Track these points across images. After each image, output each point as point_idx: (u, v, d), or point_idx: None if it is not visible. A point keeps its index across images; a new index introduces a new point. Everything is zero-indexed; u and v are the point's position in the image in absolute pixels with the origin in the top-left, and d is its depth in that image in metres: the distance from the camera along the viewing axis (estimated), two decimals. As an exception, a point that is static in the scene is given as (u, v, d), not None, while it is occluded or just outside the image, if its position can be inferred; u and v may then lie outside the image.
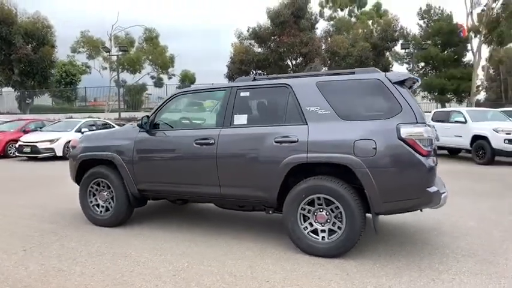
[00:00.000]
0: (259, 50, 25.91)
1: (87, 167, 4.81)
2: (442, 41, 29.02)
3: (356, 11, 43.78)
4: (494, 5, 28.55)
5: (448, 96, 29.41)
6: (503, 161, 11.04)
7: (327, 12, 42.32)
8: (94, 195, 4.79)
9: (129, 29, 29.26)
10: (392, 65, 27.66)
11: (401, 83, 3.56)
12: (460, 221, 4.78)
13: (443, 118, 12.43)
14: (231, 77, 26.16)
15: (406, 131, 3.32)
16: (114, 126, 15.14)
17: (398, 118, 3.40)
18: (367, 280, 3.08)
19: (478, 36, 27.53)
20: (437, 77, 28.82)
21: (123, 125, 14.01)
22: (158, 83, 30.33)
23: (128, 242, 4.09)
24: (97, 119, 15.91)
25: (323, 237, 3.60)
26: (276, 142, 3.74)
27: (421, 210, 3.71)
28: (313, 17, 26.04)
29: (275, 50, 24.74)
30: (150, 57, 28.61)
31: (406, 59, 30.56)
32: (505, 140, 10.06)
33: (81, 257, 3.65)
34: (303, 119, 3.73)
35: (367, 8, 43.26)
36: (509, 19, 25.64)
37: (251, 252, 3.76)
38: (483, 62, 29.66)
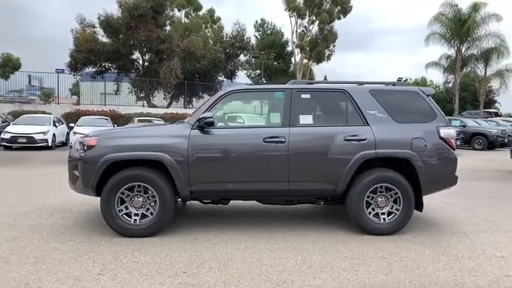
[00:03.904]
0: (107, 40, 23.70)
1: (111, 171, 4.07)
2: (275, 53, 33.43)
3: (192, 13, 45.11)
4: (311, 27, 34.82)
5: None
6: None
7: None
8: (123, 202, 4.11)
9: None
10: (238, 70, 30.08)
11: (429, 95, 4.67)
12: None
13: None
14: (74, 66, 22.97)
15: (444, 132, 4.44)
16: None
17: (435, 122, 4.48)
18: (442, 244, 4.02)
19: (302, 52, 33.13)
20: (272, 84, 32.99)
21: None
22: (-34, 66, 23.62)
23: (205, 248, 3.81)
24: None
25: (384, 218, 4.35)
26: (346, 140, 4.27)
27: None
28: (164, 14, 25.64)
29: (126, 43, 23.17)
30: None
31: (245, 65, 33.77)
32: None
33: (189, 269, 3.27)
34: (364, 120, 4.38)
35: (202, 12, 45.25)
36: (324, 42, 31.91)
37: (323, 240, 4.15)
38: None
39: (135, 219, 4.10)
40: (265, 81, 31.53)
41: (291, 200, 4.61)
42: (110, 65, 24.26)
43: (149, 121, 17.81)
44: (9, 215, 4.90)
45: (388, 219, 4.35)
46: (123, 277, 3.08)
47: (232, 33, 27.01)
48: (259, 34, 35.45)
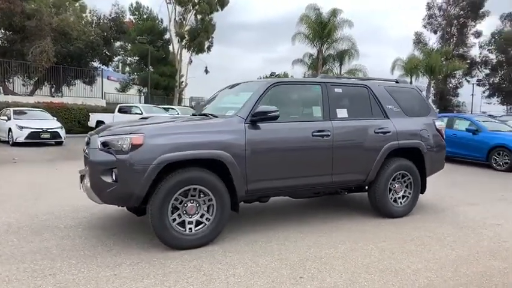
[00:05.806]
0: None
1: (162, 174, 3.44)
2: (153, 39, 31.57)
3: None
4: (188, 16, 34.10)
5: (161, 91, 32.59)
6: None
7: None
8: (175, 209, 3.53)
9: None
10: (116, 56, 27.33)
11: (422, 92, 5.36)
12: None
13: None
14: None
15: (438, 124, 5.18)
16: None
17: (431, 116, 5.20)
18: (447, 220, 4.73)
19: (182, 41, 32.18)
20: (153, 73, 31.15)
21: None
22: None
23: (282, 250, 3.61)
24: None
25: (400, 202, 4.86)
26: (375, 132, 4.59)
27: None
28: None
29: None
30: None
31: (120, 51, 30.98)
32: None
33: (302, 274, 3.09)
34: (384, 114, 4.77)
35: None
36: (205, 33, 31.74)
37: (364, 229, 4.42)
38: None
39: (190, 228, 3.58)
40: (151, 69, 29.55)
41: (318, 192, 4.71)
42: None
43: (24, 112, 14.88)
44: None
45: (403, 203, 4.88)
46: (248, 294, 2.73)
47: (110, 15, 24.38)
48: (134, 18, 32.95)
